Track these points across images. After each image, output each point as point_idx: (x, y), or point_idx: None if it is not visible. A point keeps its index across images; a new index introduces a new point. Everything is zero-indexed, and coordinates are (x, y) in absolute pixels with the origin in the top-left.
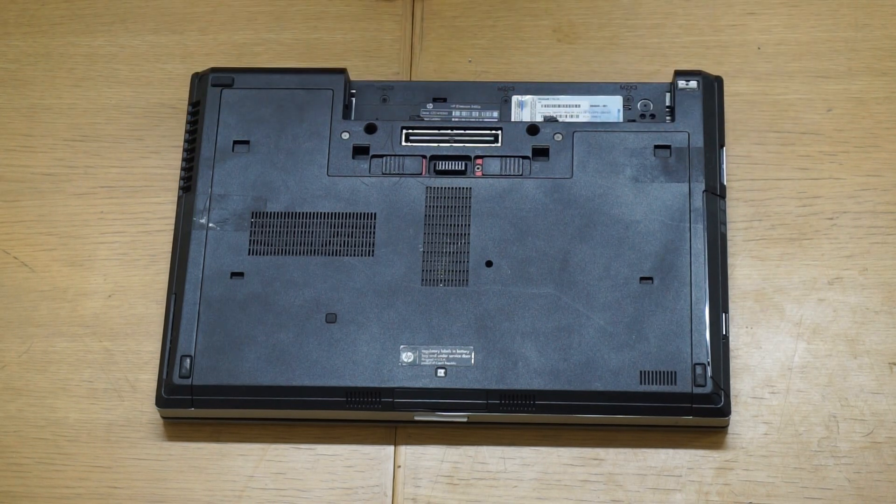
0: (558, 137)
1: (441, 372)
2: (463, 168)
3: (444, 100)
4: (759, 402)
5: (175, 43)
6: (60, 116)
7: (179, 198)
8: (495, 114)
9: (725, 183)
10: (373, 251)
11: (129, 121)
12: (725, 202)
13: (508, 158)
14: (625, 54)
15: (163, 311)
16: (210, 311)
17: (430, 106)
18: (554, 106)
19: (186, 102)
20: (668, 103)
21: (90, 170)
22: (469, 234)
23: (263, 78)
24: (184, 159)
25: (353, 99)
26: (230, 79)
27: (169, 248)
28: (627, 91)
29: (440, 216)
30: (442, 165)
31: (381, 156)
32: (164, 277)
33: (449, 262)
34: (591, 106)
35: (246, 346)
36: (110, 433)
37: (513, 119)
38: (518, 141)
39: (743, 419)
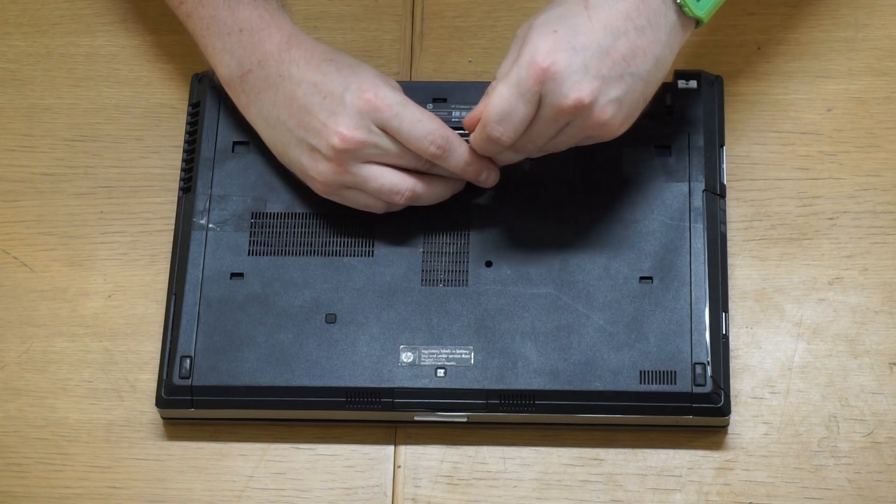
0: None
1: (441, 372)
2: None
3: (444, 100)
4: (759, 402)
5: (175, 43)
6: (60, 116)
7: (179, 198)
8: None
9: (725, 183)
10: (373, 251)
11: (129, 121)
12: (725, 202)
13: None
14: None
15: (163, 311)
16: (210, 312)
17: (430, 106)
18: None
19: (186, 102)
20: (667, 103)
21: (90, 170)
22: (469, 234)
23: None
24: (184, 160)
25: None
26: None
27: (169, 248)
28: None
29: (440, 216)
30: None
31: None
32: (164, 277)
33: (449, 262)
34: None
35: (246, 347)
36: (110, 433)
37: None
38: None
39: (743, 419)
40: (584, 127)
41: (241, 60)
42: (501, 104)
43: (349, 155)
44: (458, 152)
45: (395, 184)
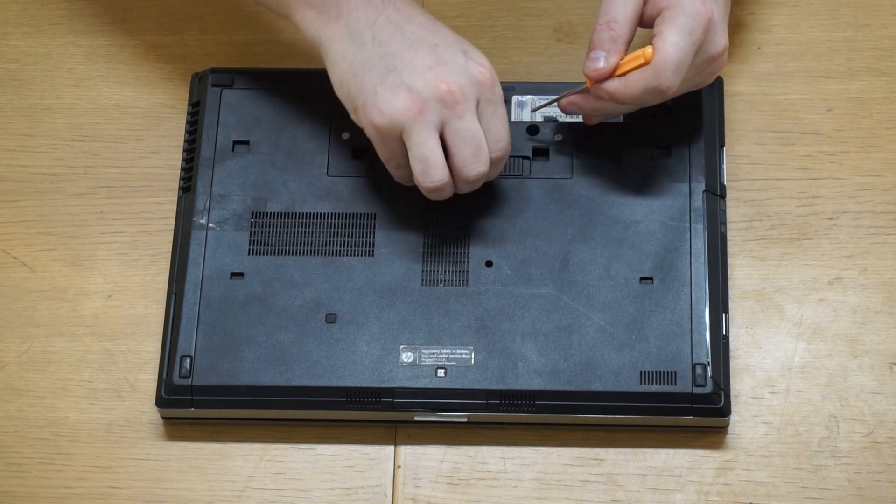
0: (558, 137)
1: (441, 372)
2: None
3: None
4: (759, 402)
5: (175, 43)
6: (60, 116)
7: (179, 198)
8: None
9: (725, 183)
10: (373, 251)
11: (129, 121)
12: (725, 202)
13: (508, 158)
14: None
15: (163, 311)
16: (210, 311)
17: None
18: (554, 106)
19: (186, 102)
20: (667, 104)
21: (90, 170)
22: (469, 234)
23: (263, 78)
24: (184, 159)
25: None
26: (230, 79)
27: (169, 248)
28: None
29: (440, 216)
30: None
31: None
32: (164, 277)
33: (449, 262)
34: None
35: (246, 346)
36: (110, 433)
37: (513, 119)
38: (518, 141)
39: (743, 419)
40: (706, 74)
41: None
42: (678, 54)
43: (440, 109)
44: (502, 165)
45: (436, 167)
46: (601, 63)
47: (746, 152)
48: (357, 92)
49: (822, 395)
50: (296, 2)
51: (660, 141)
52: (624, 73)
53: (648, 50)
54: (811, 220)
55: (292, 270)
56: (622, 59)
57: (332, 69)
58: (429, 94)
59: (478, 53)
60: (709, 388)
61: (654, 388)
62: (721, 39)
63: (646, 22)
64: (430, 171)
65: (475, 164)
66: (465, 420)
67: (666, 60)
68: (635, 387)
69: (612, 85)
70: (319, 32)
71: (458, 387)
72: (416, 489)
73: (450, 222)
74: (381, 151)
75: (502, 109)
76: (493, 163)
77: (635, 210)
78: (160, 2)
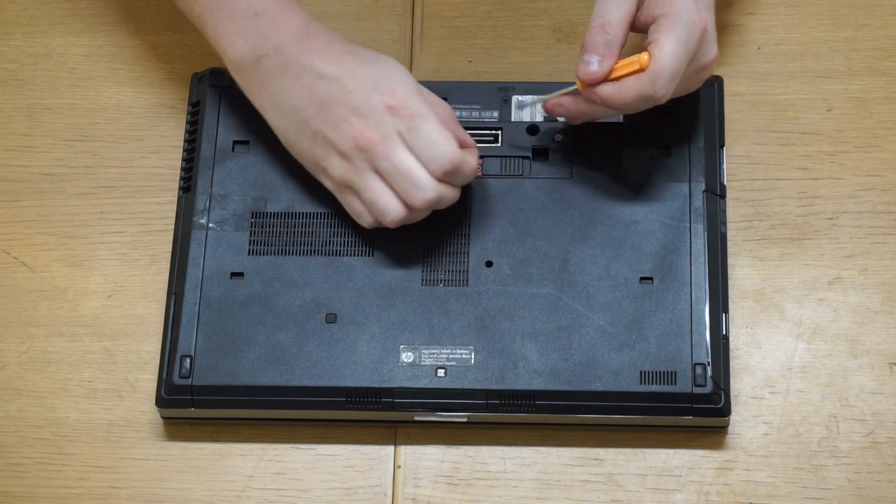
0: (558, 137)
1: (441, 372)
2: None
3: (445, 100)
4: (759, 402)
5: (175, 43)
6: (60, 116)
7: (179, 198)
8: (495, 114)
9: (725, 183)
10: (373, 251)
11: (129, 121)
12: (725, 202)
13: (508, 158)
14: (624, 54)
15: (163, 311)
16: (210, 311)
17: None
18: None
19: (186, 102)
20: (668, 103)
21: (90, 170)
22: (469, 234)
23: None
24: (184, 159)
25: None
26: (230, 79)
27: (169, 248)
28: None
29: (440, 216)
30: None
31: None
32: (164, 277)
33: (449, 262)
34: None
35: (246, 346)
36: (110, 433)
37: (513, 119)
38: (518, 141)
39: (743, 419)
40: (695, 81)
41: (256, 45)
42: (675, 62)
43: (364, 155)
44: (464, 170)
45: (386, 206)
46: (594, 67)
47: (746, 152)
48: (300, 156)
49: (822, 395)
50: (229, 63)
51: (660, 141)
52: (617, 78)
53: (644, 56)
54: (811, 220)
55: (292, 270)
56: (616, 63)
57: (277, 134)
58: (348, 146)
59: (390, 80)
60: (709, 388)
61: (654, 388)
62: (713, 48)
63: (638, 27)
64: (384, 210)
65: (417, 193)
66: (465, 420)
67: (663, 68)
68: (635, 387)
69: (605, 90)
70: (253, 99)
71: (458, 387)
72: (416, 489)
73: (450, 222)
74: (348, 207)
75: (428, 127)
76: (446, 176)
77: (635, 210)
78: (160, 2)
